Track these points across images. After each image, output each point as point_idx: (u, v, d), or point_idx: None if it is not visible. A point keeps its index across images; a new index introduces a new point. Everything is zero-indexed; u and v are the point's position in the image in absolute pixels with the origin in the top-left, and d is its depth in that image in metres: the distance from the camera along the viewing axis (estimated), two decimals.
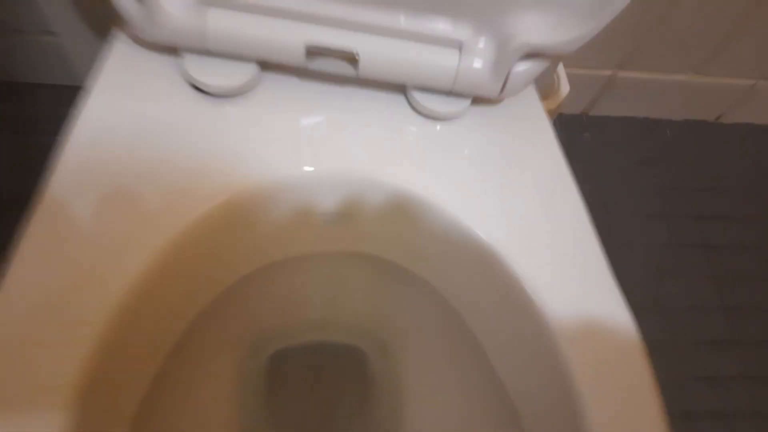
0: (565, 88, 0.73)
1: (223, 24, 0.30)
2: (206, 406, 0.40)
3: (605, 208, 0.78)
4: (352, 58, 0.31)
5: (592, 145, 0.84)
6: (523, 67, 0.32)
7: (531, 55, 0.31)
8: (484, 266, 0.31)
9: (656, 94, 0.81)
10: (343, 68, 0.32)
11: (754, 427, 0.66)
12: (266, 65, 0.33)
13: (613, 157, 0.83)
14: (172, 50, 0.32)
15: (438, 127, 0.34)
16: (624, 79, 0.78)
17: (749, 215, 0.81)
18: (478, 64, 0.31)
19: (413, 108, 0.34)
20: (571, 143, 0.84)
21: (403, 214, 0.33)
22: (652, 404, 0.26)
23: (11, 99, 0.63)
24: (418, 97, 0.33)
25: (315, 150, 0.31)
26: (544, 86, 0.72)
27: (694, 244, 0.78)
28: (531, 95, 0.36)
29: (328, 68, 0.32)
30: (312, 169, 0.30)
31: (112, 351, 0.25)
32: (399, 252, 0.37)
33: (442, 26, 0.31)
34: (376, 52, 0.31)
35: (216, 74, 0.31)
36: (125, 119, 0.30)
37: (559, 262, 0.30)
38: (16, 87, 0.64)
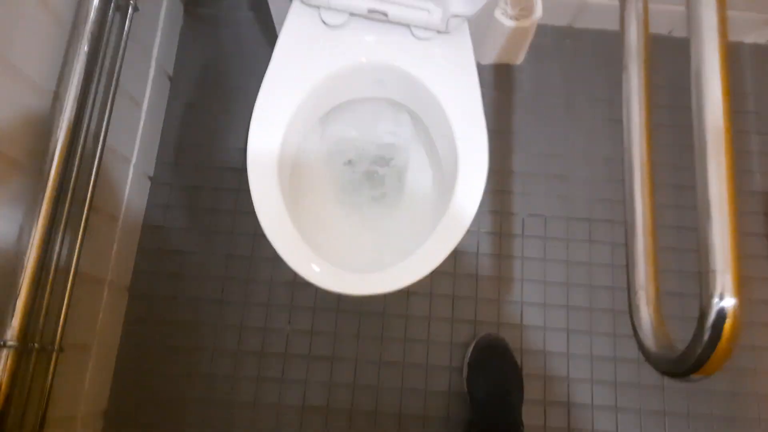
0: (538, 13, 1.12)
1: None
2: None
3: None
4: (385, 14, 0.78)
5: (571, 49, 1.24)
6: (455, 19, 0.77)
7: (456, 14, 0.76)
8: (433, 101, 0.80)
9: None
10: (381, 17, 0.79)
11: None
12: (353, 14, 0.81)
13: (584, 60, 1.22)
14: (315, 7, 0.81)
15: (420, 44, 0.81)
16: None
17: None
18: (434, 16, 0.78)
19: (411, 34, 0.81)
20: (556, 47, 1.24)
21: (405, 78, 0.82)
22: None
23: None
24: (413, 29, 0.80)
25: (368, 50, 0.80)
26: (521, 10, 1.13)
27: None
28: (464, 29, 0.82)
29: (376, 17, 0.79)
30: (365, 60, 0.80)
31: (300, 111, 0.78)
32: (402, 97, 0.86)
33: (420, 3, 0.77)
34: (394, 12, 0.78)
35: (332, 17, 0.80)
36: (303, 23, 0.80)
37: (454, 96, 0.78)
38: None
